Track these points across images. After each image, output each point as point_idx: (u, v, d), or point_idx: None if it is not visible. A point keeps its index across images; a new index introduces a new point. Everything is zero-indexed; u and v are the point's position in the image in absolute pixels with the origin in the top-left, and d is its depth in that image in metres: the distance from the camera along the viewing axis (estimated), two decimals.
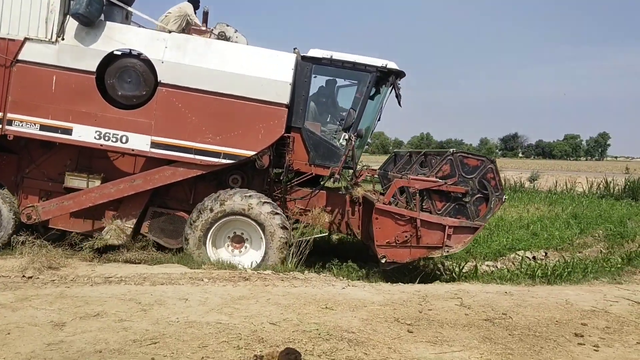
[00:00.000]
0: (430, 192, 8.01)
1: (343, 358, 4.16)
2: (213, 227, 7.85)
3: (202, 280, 6.45)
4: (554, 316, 5.57)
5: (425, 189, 7.95)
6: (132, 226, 8.21)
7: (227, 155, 8.02)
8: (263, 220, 7.78)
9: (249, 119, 8.00)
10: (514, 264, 9.55)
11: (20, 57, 7.68)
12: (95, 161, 8.44)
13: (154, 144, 7.89)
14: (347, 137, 8.47)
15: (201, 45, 8.14)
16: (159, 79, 7.86)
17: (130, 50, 8.06)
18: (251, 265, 7.67)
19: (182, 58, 7.95)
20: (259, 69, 8.06)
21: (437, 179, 7.97)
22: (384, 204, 7.77)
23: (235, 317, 5.01)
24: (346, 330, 4.81)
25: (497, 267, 9.60)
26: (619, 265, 9.12)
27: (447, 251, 7.88)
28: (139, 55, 8.01)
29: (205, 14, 9.00)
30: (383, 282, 7.49)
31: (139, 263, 7.65)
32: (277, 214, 7.86)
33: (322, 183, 8.83)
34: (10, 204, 8.06)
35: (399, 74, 8.63)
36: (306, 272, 7.54)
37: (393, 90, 8.67)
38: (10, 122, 7.73)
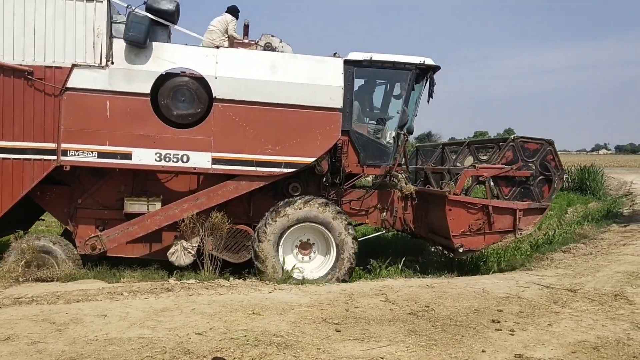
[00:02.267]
0: (497, 179, 8.44)
1: None
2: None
3: (122, 294, 6.18)
4: (473, 305, 5.82)
5: (492, 176, 8.38)
6: (197, 245, 8.09)
7: (288, 164, 8.13)
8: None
9: (305, 126, 8.13)
10: (434, 257, 9.92)
11: (69, 84, 7.44)
12: (149, 184, 8.39)
13: (215, 160, 7.90)
14: (400, 134, 8.73)
15: (251, 57, 8.20)
16: (213, 95, 7.86)
17: (181, 69, 7.95)
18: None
19: (234, 72, 7.98)
20: (311, 76, 8.21)
21: (504, 166, 8.40)
22: (454, 194, 8.06)
23: (159, 330, 4.84)
24: (275, 335, 4.78)
25: (419, 260, 9.89)
26: (528, 253, 9.73)
27: (520, 233, 8.37)
28: (189, 74, 7.95)
29: (246, 27, 8.92)
30: (310, 283, 7.52)
31: (52, 281, 7.20)
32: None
33: (377, 182, 9.19)
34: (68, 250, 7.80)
35: (436, 69, 8.78)
36: (231, 278, 7.44)
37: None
38: (65, 153, 7.48)
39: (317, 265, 8.21)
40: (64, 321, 5.07)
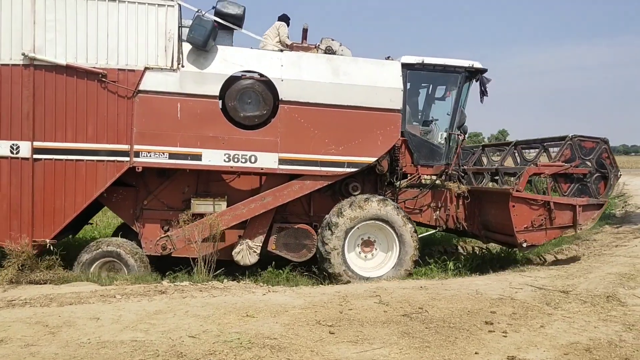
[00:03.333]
0: (556, 176, 8.90)
1: None
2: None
3: (115, 297, 6.16)
4: (466, 307, 5.84)
5: (553, 173, 8.85)
6: (261, 244, 8.41)
7: (350, 164, 8.45)
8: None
9: (367, 127, 8.46)
10: (428, 259, 9.93)
11: (141, 87, 7.62)
12: (213, 185, 8.58)
13: (282, 161, 8.16)
14: (455, 135, 9.25)
15: (314, 60, 8.45)
16: (280, 97, 8.11)
17: (247, 71, 8.17)
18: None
19: (299, 75, 8.24)
20: (372, 78, 8.53)
21: (564, 163, 8.87)
22: (517, 192, 8.39)
23: (152, 333, 4.82)
24: (268, 337, 4.78)
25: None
26: (521, 254, 9.75)
27: (580, 228, 8.71)
28: (253, 76, 8.18)
29: (305, 31, 9.17)
30: (304, 285, 7.53)
31: (45, 283, 7.17)
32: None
33: (435, 181, 9.57)
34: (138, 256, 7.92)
35: (483, 71, 9.19)
36: (225, 280, 7.43)
37: (478, 87, 9.30)
38: (137, 154, 7.67)
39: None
40: (57, 324, 5.05)
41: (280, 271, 8.43)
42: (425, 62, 8.81)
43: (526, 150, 10.40)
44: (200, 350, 4.39)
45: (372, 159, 8.53)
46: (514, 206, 8.38)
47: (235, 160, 7.96)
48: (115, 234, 8.94)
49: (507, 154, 10.39)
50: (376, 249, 8.61)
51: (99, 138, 7.51)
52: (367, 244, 8.56)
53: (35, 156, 7.35)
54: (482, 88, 9.19)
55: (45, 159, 7.38)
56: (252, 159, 8.02)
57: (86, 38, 7.41)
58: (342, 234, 8.17)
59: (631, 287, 6.59)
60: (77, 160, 7.47)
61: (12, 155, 7.30)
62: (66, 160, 7.44)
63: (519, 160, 10.37)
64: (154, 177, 8.27)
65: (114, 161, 7.58)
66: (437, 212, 9.33)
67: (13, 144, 7.30)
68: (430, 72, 9.10)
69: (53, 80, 7.35)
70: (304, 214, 8.91)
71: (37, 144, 7.34)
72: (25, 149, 7.31)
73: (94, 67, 7.42)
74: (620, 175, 9.64)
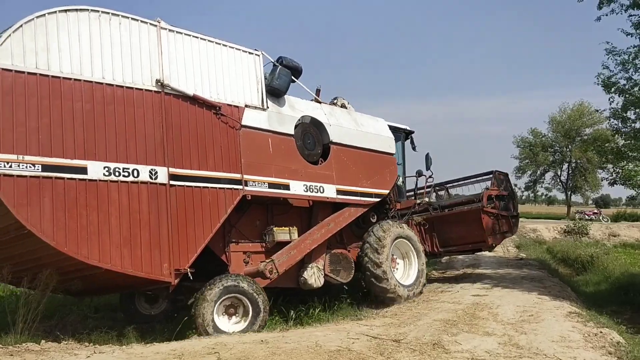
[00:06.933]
0: (493, 198, 12.72)
1: None
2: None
3: None
4: None
5: (494, 195, 12.78)
6: (323, 268, 9.62)
7: (375, 195, 10.63)
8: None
9: (380, 166, 10.81)
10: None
11: (243, 122, 8.34)
12: (275, 217, 9.37)
13: (338, 191, 9.73)
14: (428, 175, 12.59)
15: (341, 112, 10.57)
16: (330, 139, 9.83)
17: (306, 117, 9.70)
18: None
19: (337, 122, 10.15)
20: (376, 129, 11.06)
21: (498, 188, 13.02)
22: (484, 207, 12.31)
23: None
24: None
25: None
26: (358, 301, 10.13)
27: (513, 233, 13.64)
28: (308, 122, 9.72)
29: (318, 91, 10.53)
30: (136, 342, 6.95)
31: None
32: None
33: (409, 213, 12.57)
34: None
35: (410, 133, 12.48)
36: (43, 341, 6.56)
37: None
38: (246, 183, 8.23)
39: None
40: None
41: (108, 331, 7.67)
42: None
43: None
44: None
45: (386, 191, 10.87)
46: (483, 217, 12.02)
47: (311, 190, 9.22)
48: None
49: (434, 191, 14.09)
50: (398, 262, 10.78)
51: (217, 167, 7.92)
52: (392, 259, 10.47)
53: (171, 182, 7.32)
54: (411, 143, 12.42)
55: (177, 186, 7.43)
56: (321, 190, 9.40)
57: (202, 73, 7.99)
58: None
59: (453, 334, 7.15)
60: (203, 187, 7.70)
61: (150, 181, 7.16)
62: (194, 187, 7.61)
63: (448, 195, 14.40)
64: (233, 211, 8.26)
65: (231, 189, 8.04)
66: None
67: (152, 169, 7.20)
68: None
69: (179, 109, 7.62)
70: (339, 241, 10.39)
71: (172, 170, 7.36)
72: (162, 174, 7.29)
73: (212, 100, 7.98)
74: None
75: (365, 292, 10.48)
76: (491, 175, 13.23)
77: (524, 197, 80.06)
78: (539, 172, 58.22)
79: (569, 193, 58.27)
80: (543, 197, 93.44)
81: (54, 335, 7.15)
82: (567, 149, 55.14)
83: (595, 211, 46.36)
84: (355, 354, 6.15)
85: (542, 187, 62.35)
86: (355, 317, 9.00)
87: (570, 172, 56.52)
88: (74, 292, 7.87)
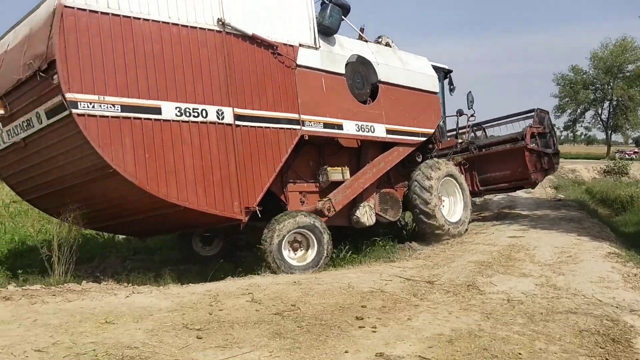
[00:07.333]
0: (535, 135, 12.93)
1: None
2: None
3: None
4: (338, 302, 5.83)
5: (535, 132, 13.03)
6: (374, 206, 9.83)
7: (422, 134, 10.65)
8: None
9: (425, 105, 10.76)
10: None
11: (298, 62, 8.31)
12: (327, 158, 9.42)
13: (387, 131, 9.78)
14: (470, 114, 12.70)
15: (387, 51, 10.45)
16: (378, 78, 9.77)
17: (356, 56, 9.63)
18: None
19: (385, 61, 10.08)
20: (419, 68, 10.93)
21: (540, 125, 13.32)
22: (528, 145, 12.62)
23: None
24: (128, 347, 4.38)
25: None
26: (391, 244, 10.11)
27: (554, 170, 14.13)
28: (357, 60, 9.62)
29: (362, 29, 10.38)
30: (173, 283, 7.12)
31: None
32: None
33: (451, 153, 12.47)
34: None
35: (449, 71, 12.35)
36: (84, 282, 6.78)
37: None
38: (303, 123, 8.28)
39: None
40: None
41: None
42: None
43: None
44: None
45: (432, 130, 10.85)
46: (527, 155, 12.30)
47: (363, 130, 9.24)
48: None
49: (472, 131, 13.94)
50: (444, 200, 10.91)
51: (277, 107, 7.95)
52: (439, 197, 10.51)
53: (236, 122, 7.43)
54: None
55: (242, 126, 7.51)
56: (372, 129, 9.43)
57: (258, 12, 7.85)
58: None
59: (488, 275, 7.06)
60: (265, 127, 7.77)
61: (218, 121, 7.27)
62: (257, 127, 7.68)
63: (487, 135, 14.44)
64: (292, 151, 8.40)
65: (290, 129, 8.10)
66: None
67: (218, 110, 7.28)
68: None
69: (240, 49, 7.59)
70: (387, 181, 10.46)
71: (237, 110, 7.44)
72: (228, 115, 7.37)
73: (270, 39, 7.89)
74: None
75: (412, 229, 11.02)
76: (533, 113, 13.40)
77: (562, 137, 78.06)
78: (579, 111, 56.38)
79: (610, 132, 56.40)
80: (582, 136, 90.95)
81: (94, 277, 7.38)
82: (609, 87, 53.15)
83: (636, 150, 44.99)
84: (389, 295, 6.15)
85: (581, 126, 60.66)
86: (388, 259, 8.99)
87: (611, 110, 54.56)
88: (136, 233, 8.23)
